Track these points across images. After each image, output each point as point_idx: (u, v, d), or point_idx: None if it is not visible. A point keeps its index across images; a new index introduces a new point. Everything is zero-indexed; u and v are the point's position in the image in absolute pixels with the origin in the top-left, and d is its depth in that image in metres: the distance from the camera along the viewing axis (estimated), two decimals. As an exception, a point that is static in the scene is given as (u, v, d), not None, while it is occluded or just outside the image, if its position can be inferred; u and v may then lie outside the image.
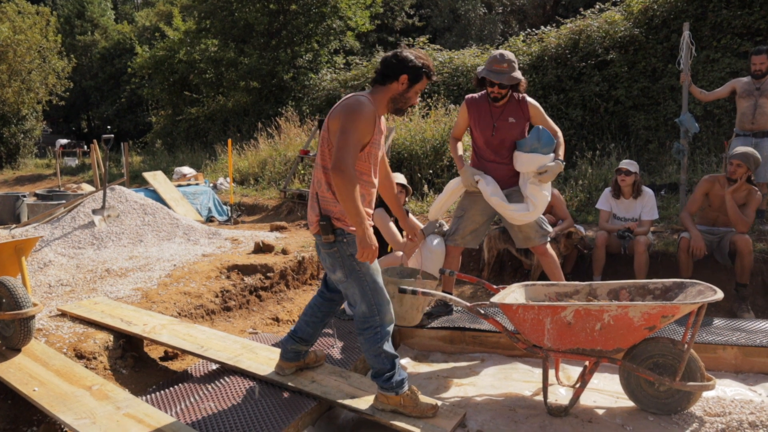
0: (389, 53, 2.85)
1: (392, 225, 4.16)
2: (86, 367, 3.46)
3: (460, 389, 3.38)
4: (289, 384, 3.14)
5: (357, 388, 3.12)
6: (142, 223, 6.60)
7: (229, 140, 9.72)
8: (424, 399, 2.90)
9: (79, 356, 3.56)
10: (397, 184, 4.21)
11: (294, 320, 5.00)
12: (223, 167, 12.86)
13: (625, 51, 9.87)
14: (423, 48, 13.62)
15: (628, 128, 9.66)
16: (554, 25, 11.58)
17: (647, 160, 8.95)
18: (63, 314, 4.10)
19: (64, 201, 8.35)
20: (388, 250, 4.27)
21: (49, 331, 3.78)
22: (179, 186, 9.65)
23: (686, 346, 2.85)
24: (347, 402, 2.97)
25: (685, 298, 2.95)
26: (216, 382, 3.28)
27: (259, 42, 16.62)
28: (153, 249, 6.03)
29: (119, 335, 3.86)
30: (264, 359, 3.43)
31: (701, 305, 2.78)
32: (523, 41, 11.65)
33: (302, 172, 10.52)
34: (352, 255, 2.79)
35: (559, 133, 3.95)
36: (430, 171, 8.88)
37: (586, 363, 3.08)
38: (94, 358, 3.61)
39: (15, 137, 20.78)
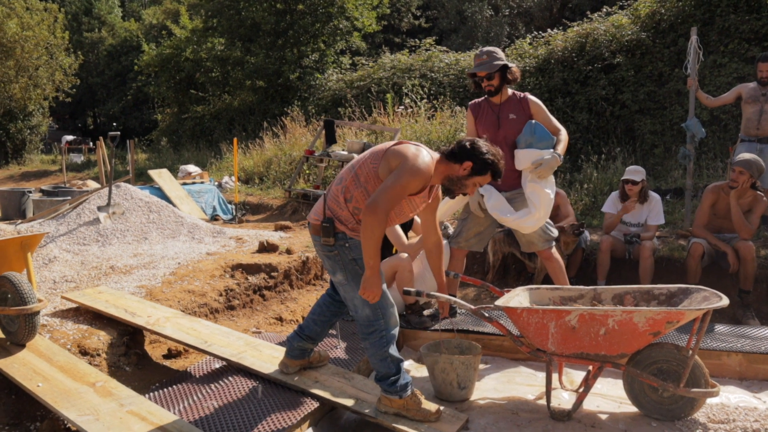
0: (469, 139, 2.84)
1: (397, 227, 4.16)
2: (90, 363, 3.47)
3: (463, 392, 3.37)
4: (292, 384, 3.14)
5: (360, 389, 3.12)
6: (146, 221, 6.62)
7: (235, 139, 9.74)
8: (427, 403, 2.90)
9: (83, 352, 3.57)
10: None
11: (297, 320, 5.00)
12: (229, 166, 12.88)
13: (632, 55, 9.84)
14: (429, 49, 13.62)
15: (634, 132, 9.63)
16: (561, 28, 11.56)
17: (653, 164, 8.92)
18: (68, 309, 4.11)
19: (69, 197, 8.38)
20: (393, 251, 4.27)
21: (54, 327, 3.79)
22: (184, 184, 9.67)
23: (691, 352, 2.84)
24: (350, 403, 2.97)
25: (690, 304, 2.94)
26: (219, 380, 3.29)
27: (266, 41, 16.64)
28: (157, 247, 6.04)
29: (123, 332, 3.87)
30: (268, 357, 3.43)
31: (706, 311, 2.77)
32: (530, 44, 11.63)
33: (307, 171, 10.54)
34: (355, 260, 2.78)
35: (563, 132, 3.93)
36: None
37: (590, 367, 3.07)
38: (98, 354, 3.62)
39: (21, 133, 20.86)
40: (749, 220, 4.55)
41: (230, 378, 3.30)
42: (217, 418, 2.85)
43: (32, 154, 21.43)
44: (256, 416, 2.85)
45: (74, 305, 4.18)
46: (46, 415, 3.12)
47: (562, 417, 2.98)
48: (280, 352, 3.40)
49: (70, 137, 21.41)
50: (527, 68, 10.71)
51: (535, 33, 11.91)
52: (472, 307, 3.13)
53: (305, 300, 5.38)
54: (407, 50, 14.31)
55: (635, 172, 4.94)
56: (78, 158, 19.87)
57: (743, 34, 8.95)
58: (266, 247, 5.82)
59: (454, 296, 4.07)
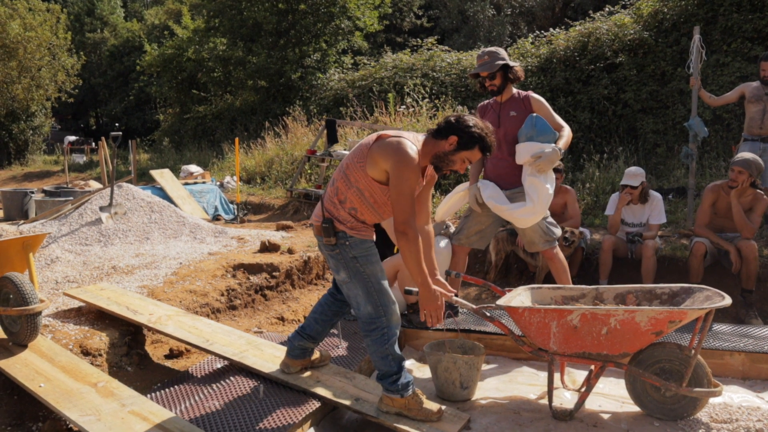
0: (455, 114, 2.81)
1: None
2: (92, 363, 3.47)
3: (465, 392, 3.36)
4: (294, 383, 3.14)
5: (361, 389, 3.11)
6: (148, 221, 6.62)
7: (237, 139, 9.75)
8: (429, 403, 2.89)
9: (85, 353, 3.58)
10: None
11: (299, 320, 5.00)
12: (230, 166, 12.88)
13: (635, 54, 9.82)
14: (430, 49, 13.60)
15: (637, 132, 9.61)
16: (563, 27, 11.54)
17: (655, 163, 8.91)
18: (70, 310, 4.11)
19: (71, 198, 8.40)
20: (395, 251, 4.26)
21: (56, 327, 3.80)
22: (186, 184, 9.68)
23: (693, 351, 2.83)
24: (351, 403, 2.97)
25: (692, 304, 2.93)
26: (220, 380, 3.29)
27: (268, 41, 16.65)
28: (159, 247, 6.05)
29: (124, 332, 3.87)
30: (269, 356, 3.43)
31: (709, 311, 2.76)
32: (532, 43, 11.61)
33: (309, 171, 10.53)
34: (356, 258, 2.79)
35: (566, 129, 3.92)
36: (437, 172, 8.85)
37: (592, 367, 3.07)
38: (100, 355, 3.63)
39: (24, 134, 20.91)
40: (750, 219, 4.54)
41: (232, 378, 3.30)
42: (218, 418, 2.85)
43: (35, 155, 21.48)
44: (258, 416, 2.85)
45: (76, 305, 4.19)
46: (48, 415, 3.12)
47: (564, 416, 2.97)
48: (282, 352, 3.40)
49: (72, 138, 21.44)
50: (529, 68, 10.70)
51: (538, 32, 11.90)
52: (474, 306, 3.12)
53: (307, 300, 5.38)
54: (409, 50, 14.30)
55: (633, 176, 4.90)
56: (80, 159, 19.91)
57: (746, 33, 8.93)
58: (268, 247, 5.82)
59: (456, 295, 4.06)
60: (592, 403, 3.13)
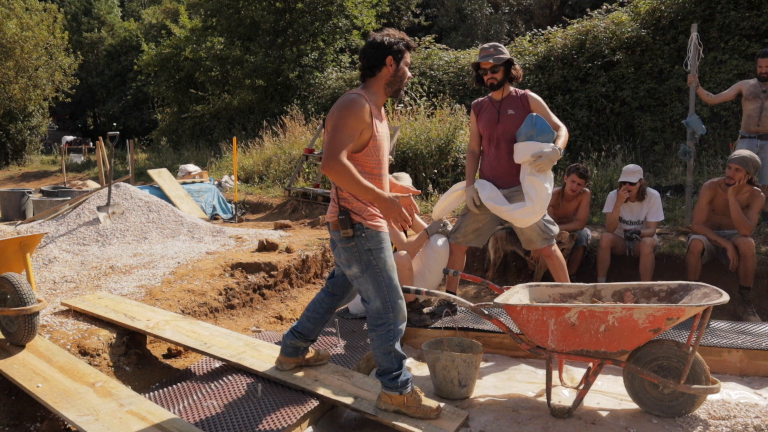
0: (364, 46, 2.88)
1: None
2: (90, 363, 3.47)
3: (463, 390, 3.36)
4: (292, 383, 3.13)
5: (360, 387, 3.11)
6: (146, 221, 6.61)
7: (234, 138, 9.74)
8: (427, 400, 2.89)
9: (83, 353, 3.57)
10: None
11: (297, 319, 5.00)
12: (228, 165, 12.88)
13: (632, 52, 9.83)
14: (428, 48, 13.60)
15: (634, 129, 9.63)
16: (561, 25, 11.55)
17: (653, 161, 8.92)
18: (68, 310, 4.11)
19: (69, 198, 8.38)
20: (393, 249, 4.26)
21: (54, 327, 3.79)
22: (184, 183, 9.67)
23: (691, 348, 2.84)
24: (350, 401, 2.97)
25: (690, 301, 2.93)
26: (219, 380, 3.28)
27: (265, 40, 16.63)
28: (157, 246, 6.04)
29: (123, 332, 3.87)
30: (267, 357, 3.43)
31: (707, 308, 2.77)
32: (530, 41, 11.62)
33: (307, 170, 10.53)
34: (370, 250, 2.79)
35: (563, 129, 3.92)
36: (435, 171, 8.87)
37: (590, 364, 3.07)
38: (98, 354, 3.62)
39: (21, 134, 20.89)
40: (748, 216, 4.55)
41: (230, 377, 3.30)
42: (217, 418, 2.85)
43: (32, 155, 21.45)
44: (256, 415, 2.85)
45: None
46: (46, 415, 3.12)
47: (563, 414, 2.97)
48: (279, 352, 3.40)
49: (69, 137, 21.45)
50: (527, 65, 10.71)
51: (535, 30, 11.91)
52: (472, 304, 3.13)
53: (305, 298, 5.38)
54: (407, 48, 14.27)
55: (632, 173, 4.91)
56: (78, 158, 19.89)
57: (743, 30, 8.94)
58: (266, 246, 5.82)
59: (454, 293, 4.07)
60: (590, 401, 3.14)
